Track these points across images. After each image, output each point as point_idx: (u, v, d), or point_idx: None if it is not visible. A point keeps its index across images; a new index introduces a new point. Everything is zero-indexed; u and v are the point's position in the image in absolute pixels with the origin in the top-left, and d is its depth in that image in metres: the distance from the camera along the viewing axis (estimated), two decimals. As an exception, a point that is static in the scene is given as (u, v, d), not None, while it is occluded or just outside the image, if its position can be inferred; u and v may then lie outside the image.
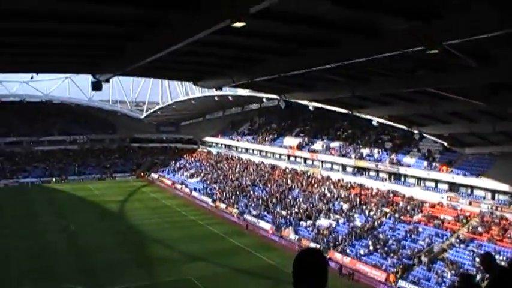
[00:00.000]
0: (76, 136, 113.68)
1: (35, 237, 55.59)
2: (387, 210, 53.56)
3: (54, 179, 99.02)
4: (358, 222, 53.18)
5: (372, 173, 61.99)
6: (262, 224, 60.31)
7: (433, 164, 54.57)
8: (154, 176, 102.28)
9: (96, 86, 32.87)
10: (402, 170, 57.46)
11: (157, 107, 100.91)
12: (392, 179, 58.90)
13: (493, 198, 48.39)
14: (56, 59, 30.49)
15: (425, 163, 55.53)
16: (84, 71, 33.77)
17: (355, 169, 64.25)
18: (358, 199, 57.69)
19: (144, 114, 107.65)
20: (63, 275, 42.82)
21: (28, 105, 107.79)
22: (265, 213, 62.94)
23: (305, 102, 46.37)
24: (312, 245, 50.68)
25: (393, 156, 59.95)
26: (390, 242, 47.50)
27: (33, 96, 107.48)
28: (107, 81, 32.47)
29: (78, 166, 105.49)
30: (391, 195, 56.24)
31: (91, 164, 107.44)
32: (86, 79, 54.34)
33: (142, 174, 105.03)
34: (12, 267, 44.96)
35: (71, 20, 18.93)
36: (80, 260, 47.88)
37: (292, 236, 54.42)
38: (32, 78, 52.47)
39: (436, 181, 53.93)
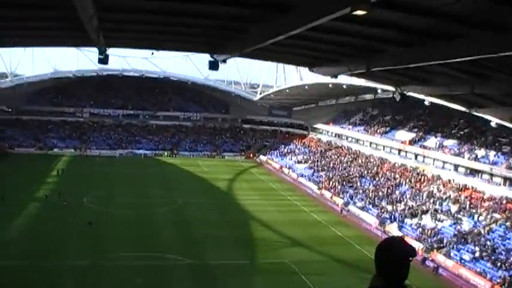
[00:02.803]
0: (190, 113, 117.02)
1: (144, 207, 58.13)
2: (498, 217, 51.06)
3: (166, 153, 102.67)
4: (465, 226, 51.15)
5: (486, 176, 59.11)
6: (366, 217, 59.51)
7: (554, 174, 51.54)
8: (263, 158, 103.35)
9: (213, 66, 33.54)
10: (519, 177, 54.63)
11: (271, 90, 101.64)
12: (507, 184, 55.99)
13: None
14: (182, 37, 31.51)
15: (546, 172, 52.52)
16: (205, 50, 34.51)
17: (468, 170, 61.57)
18: (468, 202, 55.33)
19: (258, 97, 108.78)
20: (167, 246, 44.56)
21: (147, 80, 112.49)
22: (370, 206, 62.04)
23: (421, 96, 45.17)
24: (416, 244, 49.45)
25: (511, 160, 57.07)
26: (498, 250, 45.36)
27: (152, 72, 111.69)
28: (224, 61, 33.06)
29: (189, 142, 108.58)
30: (505, 201, 53.47)
31: (202, 141, 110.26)
32: (203, 58, 55.39)
33: (251, 155, 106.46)
34: (121, 234, 47.37)
35: (201, 1, 19.46)
36: (184, 233, 49.53)
37: (396, 233, 53.25)
38: (152, 54, 54.21)
39: (556, 192, 50.88)
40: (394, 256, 3.99)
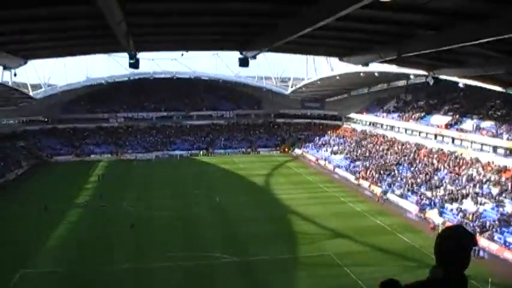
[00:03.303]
0: (223, 111, 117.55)
1: (183, 207, 58.73)
2: (542, 196, 50.05)
3: (201, 152, 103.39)
4: (508, 208, 50.15)
5: (527, 156, 57.94)
6: (406, 205, 58.94)
7: None
8: (298, 151, 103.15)
9: (243, 63, 33.62)
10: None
11: (303, 83, 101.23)
12: (549, 162, 54.76)
13: None
14: (210, 37, 31.68)
15: None
16: (235, 48, 34.65)
17: (508, 151, 60.34)
18: (509, 184, 54.24)
19: (289, 90, 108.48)
20: (209, 244, 44.92)
21: (178, 81, 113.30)
22: (409, 193, 61.41)
23: (455, 79, 44.48)
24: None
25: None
26: (544, 230, 44.40)
27: (183, 73, 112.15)
28: (254, 57, 33.13)
29: (224, 140, 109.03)
30: (547, 180, 52.39)
31: (237, 138, 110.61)
32: (232, 55, 55.64)
33: (286, 149, 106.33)
34: (163, 235, 47.99)
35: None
36: (224, 230, 49.72)
37: (436, 219, 52.64)
38: (182, 55, 54.48)
39: None
40: (454, 245, 3.90)
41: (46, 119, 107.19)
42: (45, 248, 44.89)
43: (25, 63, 39.13)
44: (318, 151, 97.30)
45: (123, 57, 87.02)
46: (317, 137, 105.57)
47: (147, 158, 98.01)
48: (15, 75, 41.35)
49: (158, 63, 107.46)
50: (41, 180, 77.16)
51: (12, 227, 50.91)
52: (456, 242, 3.90)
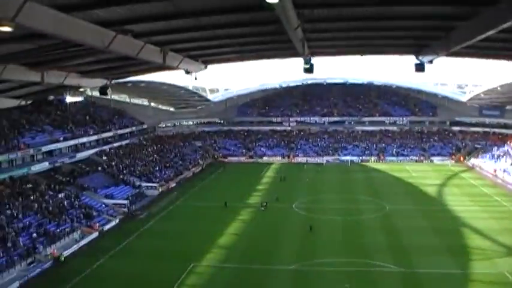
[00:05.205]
0: (396, 117, 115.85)
1: (351, 213, 59.01)
2: None
3: (372, 159, 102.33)
4: None
5: None
6: None
7: None
8: (474, 161, 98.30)
9: (419, 68, 33.20)
10: None
11: (481, 89, 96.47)
12: None
13: None
14: (385, 41, 31.59)
15: None
16: (410, 52, 34.28)
17: None
18: None
19: (467, 97, 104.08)
20: (374, 252, 44.72)
21: (351, 86, 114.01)
22: None
23: None
24: None
25: None
26: None
27: (356, 79, 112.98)
28: (430, 62, 32.48)
29: (396, 147, 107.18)
30: None
31: (409, 146, 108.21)
32: (407, 60, 54.82)
33: (461, 158, 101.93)
34: (329, 240, 48.77)
35: (404, 3, 19.34)
36: (391, 239, 49.05)
37: None
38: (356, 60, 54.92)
39: None
40: None
41: (222, 121, 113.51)
42: (218, 243, 48.32)
43: (205, 68, 41.68)
44: (496, 162, 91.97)
45: (296, 63, 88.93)
46: (495, 147, 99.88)
47: (317, 162, 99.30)
48: (195, 79, 43.92)
49: (331, 68, 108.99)
50: (218, 179, 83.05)
51: (192, 221, 56.21)
52: None
